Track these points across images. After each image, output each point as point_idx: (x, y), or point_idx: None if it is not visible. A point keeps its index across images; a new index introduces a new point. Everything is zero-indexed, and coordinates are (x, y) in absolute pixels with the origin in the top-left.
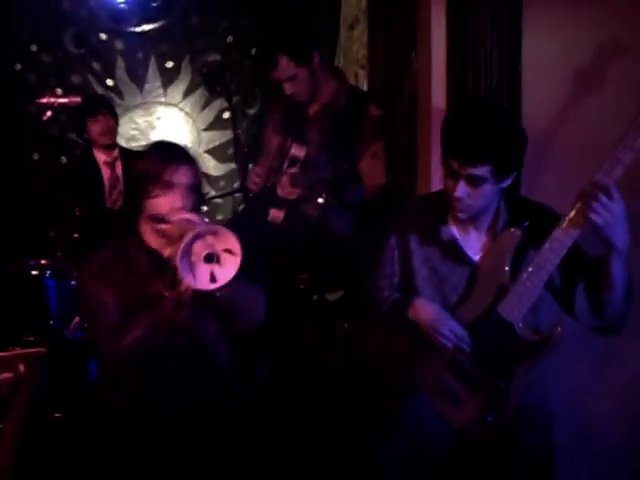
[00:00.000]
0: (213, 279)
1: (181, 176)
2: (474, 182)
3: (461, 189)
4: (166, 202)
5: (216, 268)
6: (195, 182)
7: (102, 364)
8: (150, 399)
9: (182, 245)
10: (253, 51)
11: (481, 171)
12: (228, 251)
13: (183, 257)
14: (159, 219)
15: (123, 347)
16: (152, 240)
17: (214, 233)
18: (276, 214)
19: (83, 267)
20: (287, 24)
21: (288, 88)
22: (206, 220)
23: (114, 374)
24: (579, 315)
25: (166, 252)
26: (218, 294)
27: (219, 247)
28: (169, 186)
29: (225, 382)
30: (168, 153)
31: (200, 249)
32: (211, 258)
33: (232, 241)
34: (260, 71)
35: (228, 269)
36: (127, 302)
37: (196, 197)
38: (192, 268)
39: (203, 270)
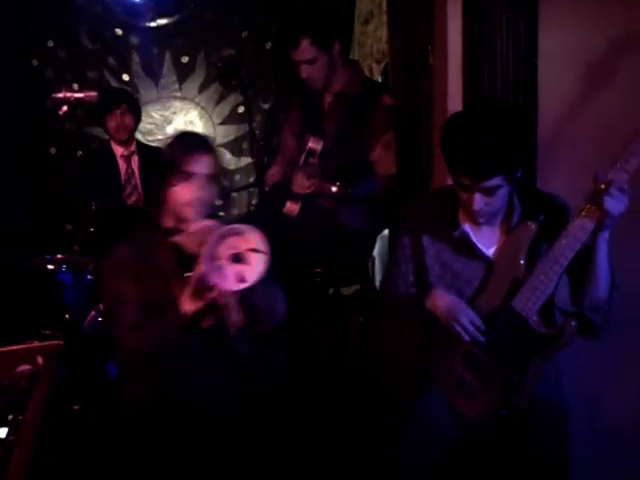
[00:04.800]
0: (242, 280)
1: (201, 166)
2: (490, 192)
3: (478, 201)
4: (186, 191)
5: (244, 268)
6: (215, 173)
7: (121, 357)
8: (172, 385)
9: (206, 250)
10: (268, 45)
11: (495, 181)
12: (255, 250)
13: (209, 262)
14: (176, 230)
15: (141, 345)
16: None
17: (238, 233)
18: (292, 207)
19: (104, 263)
20: (314, 8)
21: (305, 71)
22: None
23: (134, 366)
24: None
25: (191, 246)
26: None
27: (244, 247)
28: (189, 176)
29: (242, 367)
30: (188, 143)
31: (225, 251)
32: (237, 259)
33: (258, 239)
34: (277, 59)
35: (256, 267)
36: (148, 299)
37: (216, 188)
38: (220, 270)
39: (230, 271)
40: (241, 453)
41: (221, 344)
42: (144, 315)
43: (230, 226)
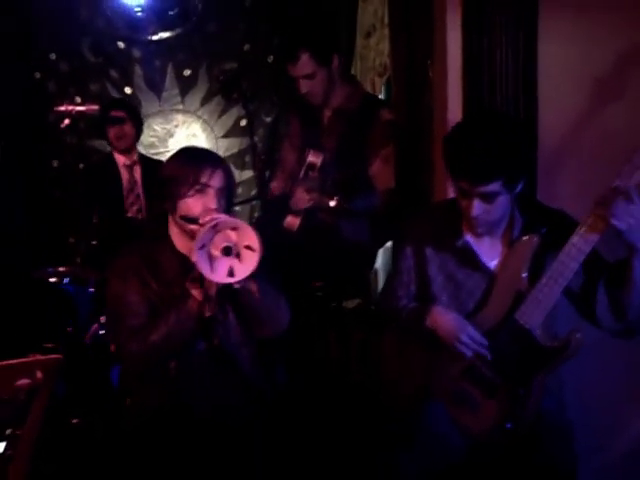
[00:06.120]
0: (232, 274)
1: (216, 179)
2: (488, 198)
3: (476, 208)
4: (199, 203)
5: (236, 263)
6: (228, 186)
7: (127, 362)
8: (185, 404)
9: (199, 236)
10: (270, 58)
11: (493, 187)
12: (248, 247)
13: (200, 249)
14: (190, 220)
15: (148, 344)
16: (181, 244)
17: (234, 228)
18: (292, 221)
19: (109, 268)
20: (313, 23)
21: (304, 86)
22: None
23: (140, 369)
24: (601, 320)
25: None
26: (238, 286)
27: (240, 242)
28: (204, 188)
29: (247, 387)
30: (203, 157)
31: (219, 242)
32: (229, 251)
33: (252, 237)
34: (278, 73)
35: (247, 264)
36: (153, 302)
37: (227, 201)
38: (212, 261)
39: (222, 264)
40: (248, 461)
41: (224, 359)
42: (148, 320)
43: (226, 219)
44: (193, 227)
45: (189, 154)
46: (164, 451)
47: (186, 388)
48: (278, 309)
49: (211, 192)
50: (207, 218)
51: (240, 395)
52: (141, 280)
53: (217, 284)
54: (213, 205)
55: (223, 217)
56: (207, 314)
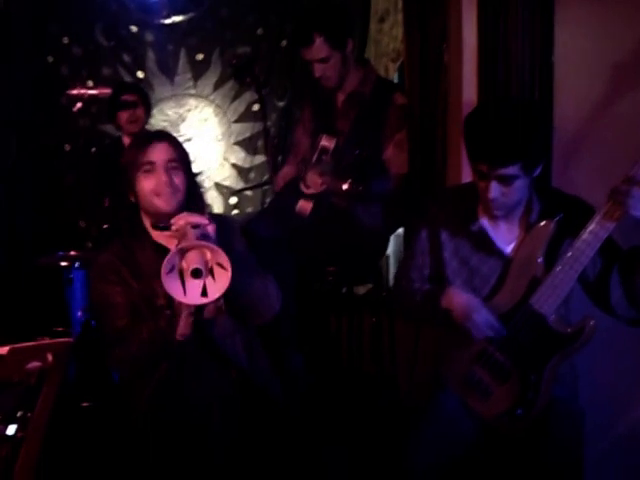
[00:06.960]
0: (203, 294)
1: (159, 152)
2: (506, 181)
3: (494, 190)
4: (151, 181)
5: (209, 282)
6: (177, 156)
7: (112, 366)
8: (173, 400)
9: (165, 261)
10: (283, 43)
11: (511, 170)
12: (220, 265)
13: (169, 272)
14: (162, 227)
15: (129, 354)
16: (158, 234)
17: (202, 247)
18: (304, 205)
19: (92, 268)
20: (327, 6)
21: (318, 70)
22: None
23: (129, 375)
24: (615, 307)
25: (173, 246)
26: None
27: (213, 260)
28: (151, 165)
29: (243, 377)
30: (143, 137)
31: (191, 263)
32: (198, 273)
33: (221, 255)
34: (292, 57)
35: (220, 283)
36: (135, 301)
37: (185, 173)
38: (184, 282)
39: (195, 284)
40: (242, 454)
41: (214, 352)
42: (132, 319)
43: (194, 240)
44: (167, 233)
45: (134, 141)
46: (155, 449)
47: (176, 386)
48: (266, 297)
49: (159, 167)
50: (181, 222)
51: (234, 389)
52: (121, 279)
53: (190, 306)
54: (164, 178)
55: (202, 220)
56: (178, 336)
